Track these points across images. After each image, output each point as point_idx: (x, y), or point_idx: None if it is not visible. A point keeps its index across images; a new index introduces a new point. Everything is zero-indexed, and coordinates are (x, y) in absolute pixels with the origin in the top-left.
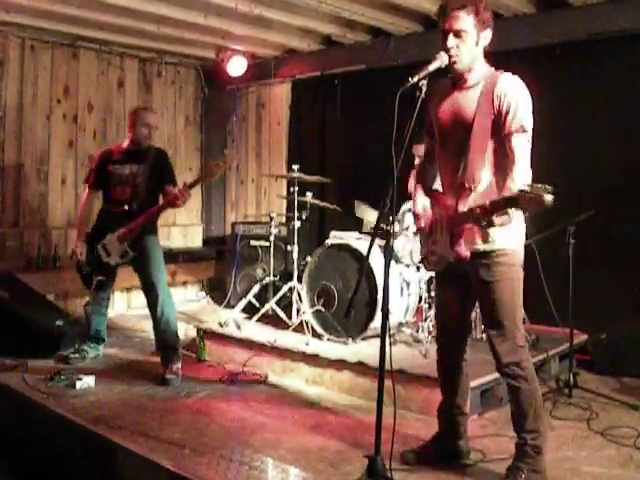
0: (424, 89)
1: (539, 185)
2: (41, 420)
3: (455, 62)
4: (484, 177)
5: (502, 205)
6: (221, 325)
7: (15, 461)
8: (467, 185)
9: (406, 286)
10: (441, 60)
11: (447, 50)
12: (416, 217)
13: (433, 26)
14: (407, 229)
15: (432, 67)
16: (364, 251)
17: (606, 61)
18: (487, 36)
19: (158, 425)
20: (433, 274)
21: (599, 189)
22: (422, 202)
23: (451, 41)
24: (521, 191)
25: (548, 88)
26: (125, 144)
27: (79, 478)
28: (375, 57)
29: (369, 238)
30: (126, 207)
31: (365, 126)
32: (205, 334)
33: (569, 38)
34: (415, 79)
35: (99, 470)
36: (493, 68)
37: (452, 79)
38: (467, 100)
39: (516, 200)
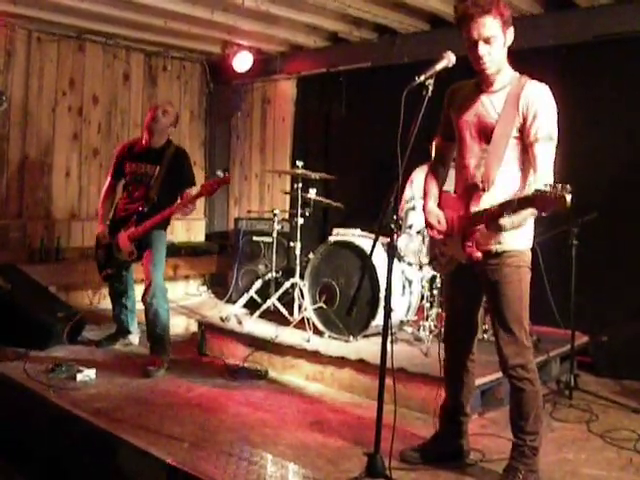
0: (431, 88)
1: (559, 184)
2: (41, 412)
3: (488, 68)
4: (499, 180)
5: (518, 204)
6: (222, 320)
7: (14, 452)
8: (481, 186)
9: (408, 284)
10: (448, 59)
11: (479, 58)
12: (428, 223)
13: (440, 25)
14: (410, 227)
15: (439, 66)
16: (367, 249)
17: (612, 63)
18: (511, 34)
19: (158, 419)
20: (435, 273)
21: (602, 191)
22: (434, 206)
23: (483, 49)
24: (537, 191)
25: (554, 89)
26: (144, 141)
27: (79, 471)
28: (381, 55)
29: (372, 235)
30: (140, 208)
31: (370, 124)
32: (206, 328)
33: (576, 39)
34: (422, 78)
35: (99, 463)
36: (517, 73)
37: (476, 81)
38: (492, 103)
39: (532, 200)
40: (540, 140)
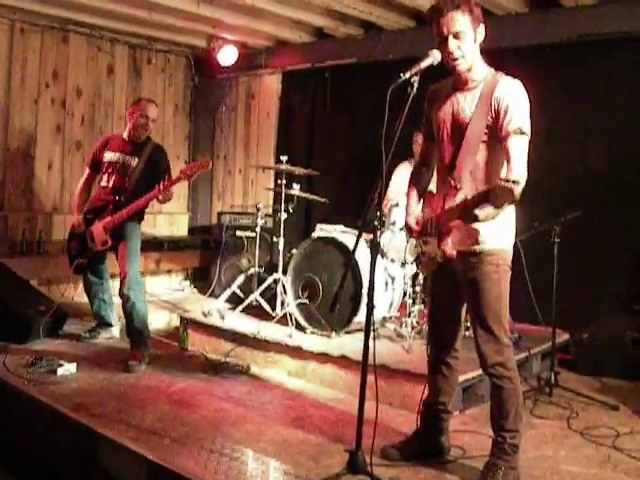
0: (415, 85)
1: (510, 178)
2: (21, 406)
3: (459, 64)
4: (472, 178)
5: (478, 199)
6: (205, 315)
7: None
8: (454, 184)
9: (391, 281)
10: (433, 57)
11: (450, 54)
12: (407, 225)
13: (425, 22)
14: (393, 224)
15: (424, 64)
16: (350, 245)
17: (595, 62)
18: (481, 32)
19: (140, 414)
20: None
21: (585, 190)
22: (415, 208)
23: (452, 44)
24: (494, 185)
25: (537, 87)
26: (125, 134)
27: (59, 466)
28: (366, 51)
29: (355, 232)
30: (117, 197)
31: (354, 120)
32: (188, 323)
33: (560, 38)
34: (407, 75)
35: (79, 458)
36: (493, 69)
37: (453, 80)
38: (467, 101)
39: (485, 195)
40: (512, 134)
